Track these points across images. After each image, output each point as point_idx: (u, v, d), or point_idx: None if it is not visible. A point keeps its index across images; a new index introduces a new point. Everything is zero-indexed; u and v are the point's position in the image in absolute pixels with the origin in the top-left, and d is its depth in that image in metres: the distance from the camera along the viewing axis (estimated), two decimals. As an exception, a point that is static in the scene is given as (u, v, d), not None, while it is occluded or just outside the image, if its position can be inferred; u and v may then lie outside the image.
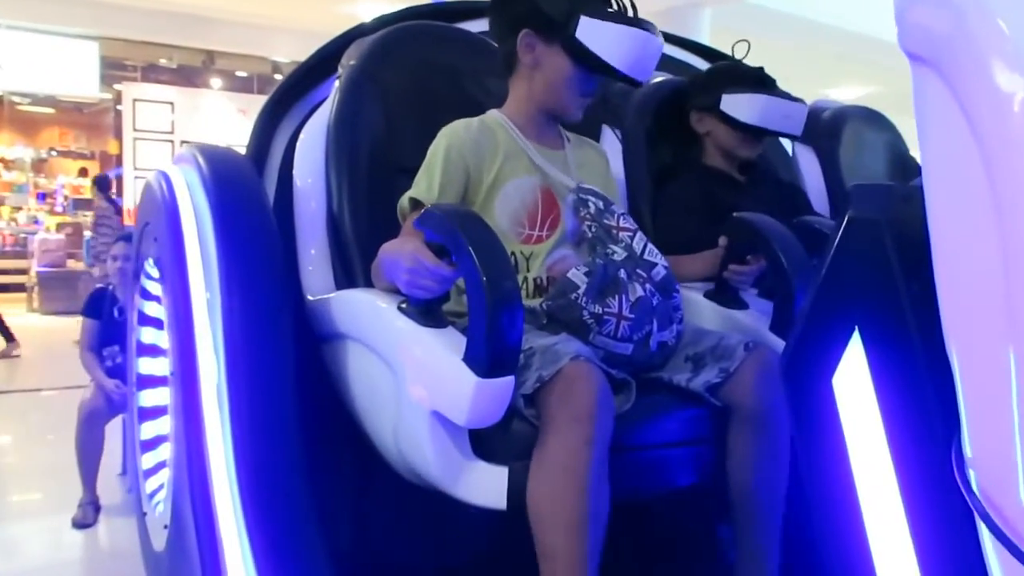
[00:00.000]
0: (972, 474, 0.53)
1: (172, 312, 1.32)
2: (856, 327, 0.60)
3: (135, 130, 9.19)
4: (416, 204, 1.31)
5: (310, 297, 1.42)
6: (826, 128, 2.37)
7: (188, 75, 10.17)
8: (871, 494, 0.61)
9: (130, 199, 9.08)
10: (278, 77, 10.44)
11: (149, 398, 1.77)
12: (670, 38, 2.44)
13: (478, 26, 1.89)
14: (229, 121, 9.75)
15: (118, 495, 2.89)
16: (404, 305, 1.13)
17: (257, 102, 10.14)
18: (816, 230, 1.39)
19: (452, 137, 1.34)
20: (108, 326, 3.03)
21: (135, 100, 9.22)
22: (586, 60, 1.29)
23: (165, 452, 1.68)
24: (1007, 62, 0.45)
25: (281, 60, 10.11)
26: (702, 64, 2.40)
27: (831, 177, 2.25)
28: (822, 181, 2.31)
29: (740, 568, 1.17)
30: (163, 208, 1.39)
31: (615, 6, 1.33)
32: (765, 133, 1.94)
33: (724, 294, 1.42)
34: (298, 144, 1.56)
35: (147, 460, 1.73)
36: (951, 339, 0.52)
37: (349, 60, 1.61)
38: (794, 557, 1.14)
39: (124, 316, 3.20)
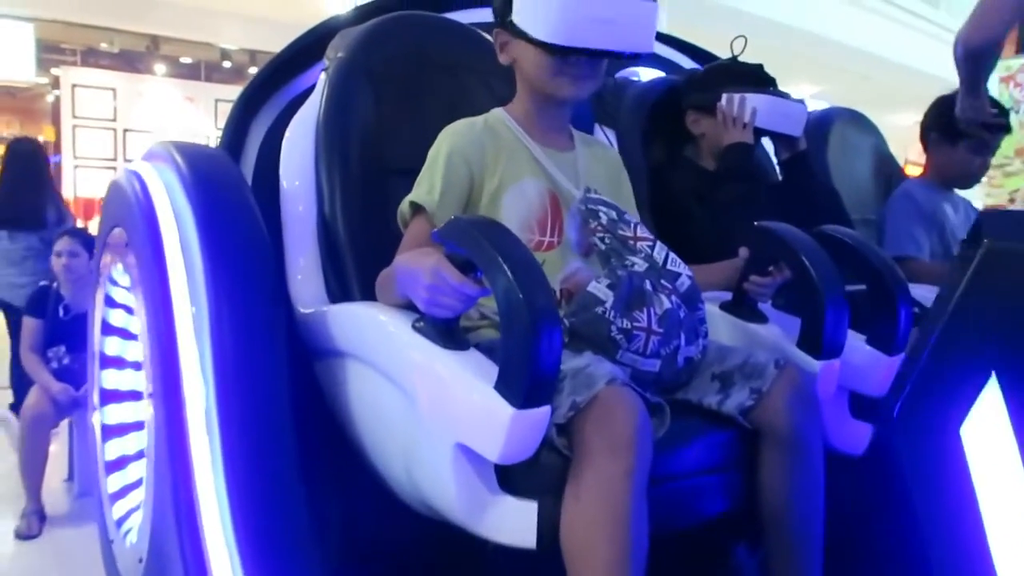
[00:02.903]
0: None
1: (152, 327, 1.19)
2: (993, 372, 0.53)
3: (74, 117, 8.76)
4: (417, 209, 1.22)
5: (302, 309, 1.31)
6: (813, 130, 2.35)
7: (131, 60, 9.71)
8: (1010, 553, 0.54)
9: (69, 189, 8.68)
10: (227, 64, 10.07)
11: (115, 414, 1.63)
12: (659, 36, 2.39)
13: (468, 17, 1.79)
14: (175, 109, 9.40)
15: (64, 503, 2.79)
16: (420, 324, 1.03)
17: (204, 89, 9.89)
18: (839, 240, 1.33)
19: (455, 137, 1.26)
20: (52, 325, 2.92)
21: (74, 85, 8.80)
22: (536, 42, 1.18)
23: (135, 473, 1.55)
24: None
25: (229, 47, 9.75)
26: (689, 63, 2.35)
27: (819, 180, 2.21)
28: None
29: None
30: (137, 211, 1.26)
31: None
32: (765, 134, 1.89)
33: (742, 306, 1.36)
34: (284, 142, 1.44)
35: (113, 482, 1.59)
36: None
37: (337, 52, 1.49)
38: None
39: (70, 315, 3.05)
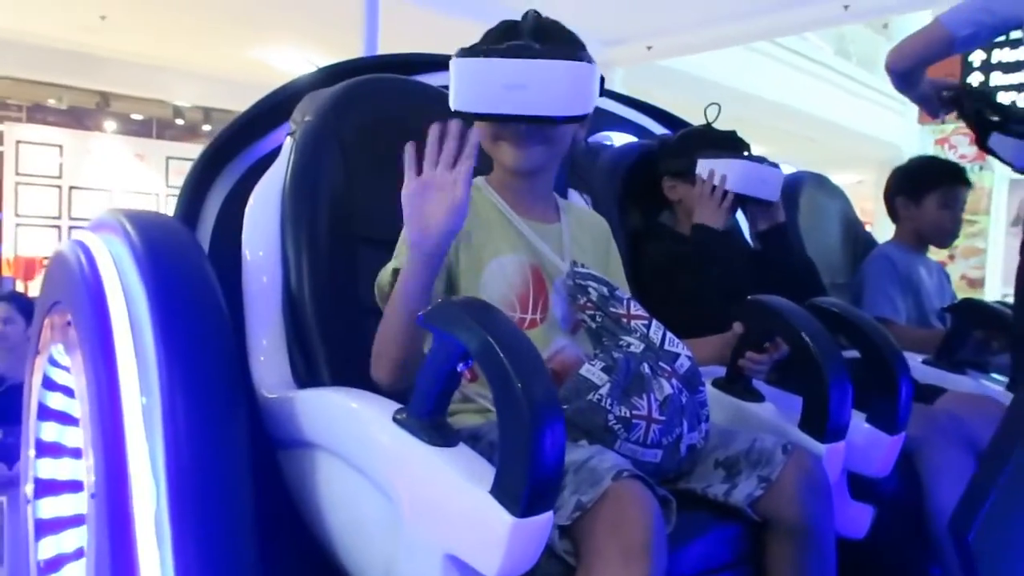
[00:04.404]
0: None
1: (96, 419, 1.06)
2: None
3: (18, 174, 8.48)
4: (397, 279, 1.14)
5: (266, 394, 1.20)
6: (783, 194, 2.33)
7: (79, 117, 9.51)
8: None
9: (9, 248, 8.35)
10: (179, 122, 9.94)
11: (50, 508, 1.46)
12: (629, 101, 2.38)
13: (438, 80, 1.74)
14: (124, 166, 9.18)
15: (-8, 593, 2.57)
16: (401, 416, 0.93)
17: (155, 147, 9.72)
18: (832, 312, 1.28)
19: None
20: None
21: (19, 142, 8.54)
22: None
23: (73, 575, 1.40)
24: None
25: (182, 104, 9.64)
26: (659, 128, 2.34)
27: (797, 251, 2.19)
28: None
29: None
30: (83, 287, 1.14)
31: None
32: (742, 200, 1.86)
33: (736, 384, 1.29)
34: (248, 210, 1.34)
35: (46, 587, 1.43)
36: None
37: (304, 115, 1.42)
38: None
39: (4, 386, 2.87)
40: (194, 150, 10.07)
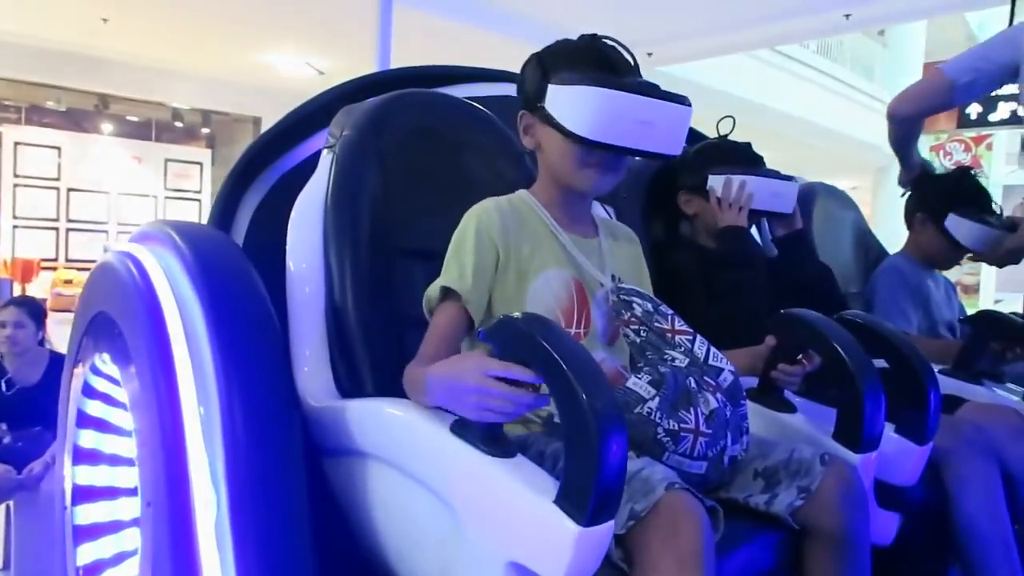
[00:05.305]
0: None
1: (153, 428, 1.08)
2: None
3: (16, 176, 8.47)
4: (446, 293, 1.16)
5: (312, 403, 1.22)
6: (798, 205, 2.37)
7: (78, 119, 9.49)
8: None
9: (7, 250, 8.34)
10: (178, 124, 9.93)
11: (88, 514, 1.48)
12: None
13: (457, 92, 1.77)
14: (122, 168, 9.18)
15: (-2, 594, 2.60)
16: (459, 427, 0.96)
17: (154, 149, 9.69)
18: (861, 325, 1.32)
19: (482, 217, 1.21)
20: None
21: (16, 143, 8.53)
22: (567, 132, 1.14)
23: (111, 582, 1.41)
24: None
25: (181, 107, 9.64)
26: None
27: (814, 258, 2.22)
28: None
29: None
30: (136, 298, 1.16)
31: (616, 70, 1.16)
32: (754, 214, 1.89)
33: (769, 395, 1.32)
34: (291, 223, 1.37)
35: (85, 592, 1.44)
36: None
37: (342, 129, 1.44)
38: None
39: (13, 389, 2.88)
40: (192, 153, 10.11)
